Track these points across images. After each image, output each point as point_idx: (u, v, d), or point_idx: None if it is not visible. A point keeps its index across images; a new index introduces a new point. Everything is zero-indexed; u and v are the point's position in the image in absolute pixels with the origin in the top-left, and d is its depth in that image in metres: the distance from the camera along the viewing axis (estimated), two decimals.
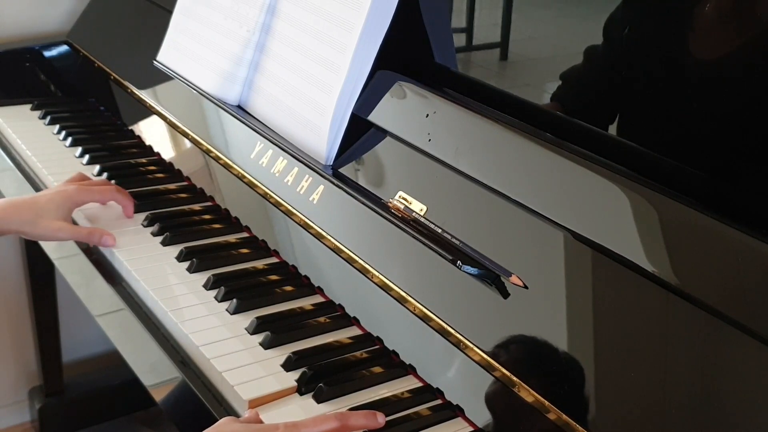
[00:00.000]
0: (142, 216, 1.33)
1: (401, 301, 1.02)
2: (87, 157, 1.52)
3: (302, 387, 0.99)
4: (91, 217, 1.33)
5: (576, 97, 1.05)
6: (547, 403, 0.86)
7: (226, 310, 1.12)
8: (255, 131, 1.29)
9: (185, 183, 1.45)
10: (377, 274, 1.06)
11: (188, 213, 1.35)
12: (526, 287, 0.92)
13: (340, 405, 0.96)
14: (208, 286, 1.16)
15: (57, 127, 1.64)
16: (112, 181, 1.41)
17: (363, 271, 1.08)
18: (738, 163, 0.87)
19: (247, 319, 1.09)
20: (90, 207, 1.34)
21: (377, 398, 0.97)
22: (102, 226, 1.30)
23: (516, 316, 0.92)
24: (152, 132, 1.58)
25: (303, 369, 1.00)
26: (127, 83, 1.63)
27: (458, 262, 0.97)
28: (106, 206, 1.35)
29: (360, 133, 1.18)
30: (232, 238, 1.28)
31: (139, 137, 1.61)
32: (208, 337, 1.07)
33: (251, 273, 1.20)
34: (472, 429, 0.93)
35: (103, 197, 1.32)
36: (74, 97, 1.81)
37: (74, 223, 1.32)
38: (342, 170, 1.18)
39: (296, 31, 1.26)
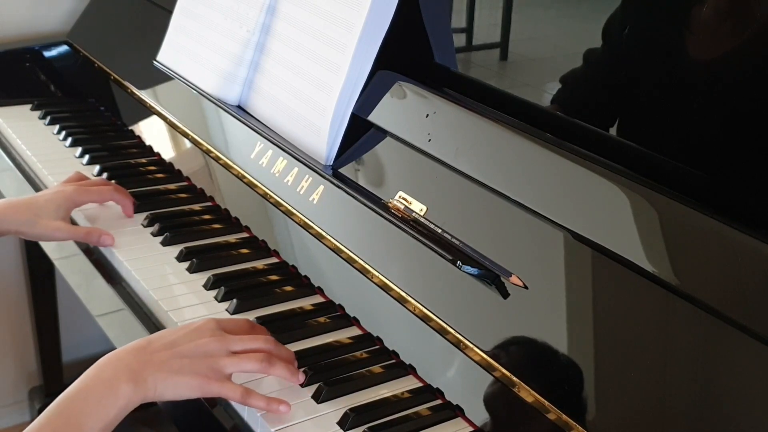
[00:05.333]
0: (142, 216, 1.33)
1: (401, 301, 1.02)
2: (87, 157, 1.52)
3: (302, 387, 0.98)
4: (90, 218, 1.33)
5: (576, 99, 1.05)
6: (547, 403, 0.86)
7: (226, 310, 1.12)
8: (255, 131, 1.29)
9: (185, 183, 1.45)
10: (377, 274, 1.06)
11: (188, 213, 1.35)
12: (526, 287, 0.92)
13: (340, 405, 0.96)
14: (208, 286, 1.16)
15: (57, 127, 1.64)
16: (112, 181, 1.41)
17: (363, 271, 1.08)
18: (738, 163, 0.87)
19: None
20: (89, 207, 1.34)
21: (377, 398, 0.97)
22: (101, 226, 1.30)
23: (516, 316, 0.92)
24: (152, 132, 1.58)
25: (303, 369, 1.00)
26: (127, 83, 1.63)
27: (458, 262, 0.97)
28: (106, 207, 1.35)
29: (360, 133, 1.18)
30: (232, 238, 1.28)
31: (139, 137, 1.61)
32: None
33: (251, 273, 1.20)
34: (472, 429, 0.93)
35: (102, 197, 1.32)
36: (74, 97, 1.81)
37: (73, 223, 1.32)
38: (342, 170, 1.18)
39: (296, 31, 1.27)
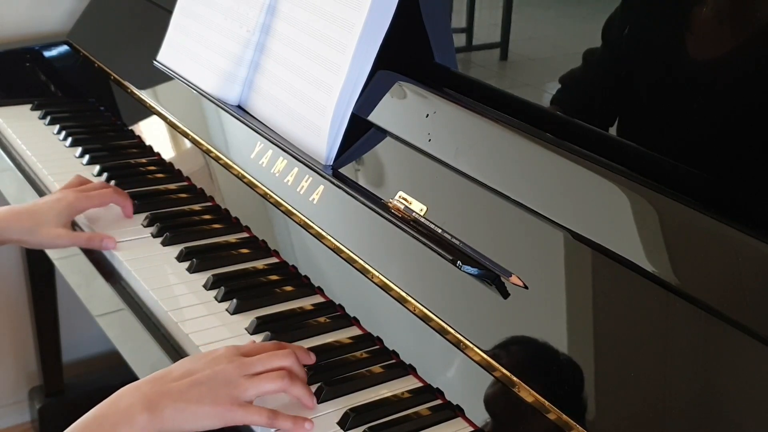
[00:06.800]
0: (142, 216, 1.33)
1: (401, 301, 1.02)
2: (87, 157, 1.52)
3: None
4: (91, 218, 1.33)
5: (576, 99, 1.05)
6: (547, 403, 0.86)
7: (226, 310, 1.12)
8: (255, 131, 1.29)
9: (185, 183, 1.45)
10: (377, 274, 1.06)
11: (188, 213, 1.36)
12: (526, 287, 0.92)
13: (340, 405, 0.96)
14: (208, 286, 1.16)
15: (57, 127, 1.64)
16: (112, 182, 1.41)
17: (363, 271, 1.08)
18: (738, 163, 0.87)
19: (247, 319, 1.09)
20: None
21: (377, 398, 0.97)
22: (102, 226, 1.30)
23: (516, 316, 0.92)
24: (152, 132, 1.58)
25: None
26: (127, 83, 1.63)
27: (458, 262, 0.97)
28: (106, 207, 1.35)
29: (360, 133, 1.18)
30: (232, 238, 1.28)
31: (139, 137, 1.61)
32: (208, 337, 1.07)
33: (251, 273, 1.20)
34: (472, 429, 0.93)
35: (102, 201, 1.31)
36: (74, 97, 1.81)
37: (74, 225, 1.32)
38: (342, 170, 1.18)
39: (296, 31, 1.27)
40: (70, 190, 1.31)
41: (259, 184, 1.27)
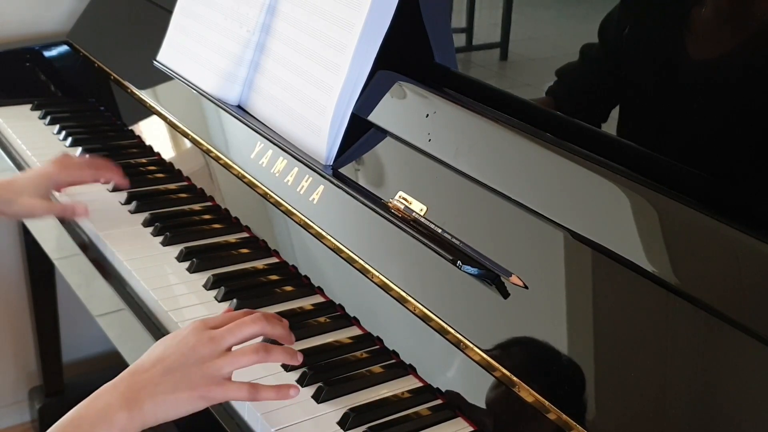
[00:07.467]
0: (142, 216, 1.33)
1: (401, 301, 1.02)
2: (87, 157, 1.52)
3: (302, 387, 0.98)
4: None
5: (575, 99, 1.05)
6: (547, 403, 0.86)
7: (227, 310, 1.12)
8: (255, 131, 1.29)
9: (185, 183, 1.45)
10: (377, 274, 1.06)
11: (188, 213, 1.36)
12: (526, 287, 0.92)
13: (340, 405, 0.96)
14: (208, 286, 1.16)
15: (57, 127, 1.64)
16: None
17: (363, 271, 1.08)
18: (738, 163, 0.87)
19: None
20: (84, 198, 1.34)
21: (377, 398, 0.97)
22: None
23: (516, 316, 0.92)
24: (152, 132, 1.58)
25: (303, 369, 1.00)
26: (127, 83, 1.63)
27: (458, 262, 0.97)
28: (103, 204, 1.35)
29: (360, 133, 1.18)
30: (232, 238, 1.28)
31: (139, 137, 1.61)
32: None
33: (251, 273, 1.20)
34: (472, 429, 0.93)
35: (83, 178, 1.33)
36: (74, 97, 1.81)
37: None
38: (342, 170, 1.18)
39: (296, 31, 1.27)
40: (50, 163, 1.33)
41: (259, 184, 1.27)
